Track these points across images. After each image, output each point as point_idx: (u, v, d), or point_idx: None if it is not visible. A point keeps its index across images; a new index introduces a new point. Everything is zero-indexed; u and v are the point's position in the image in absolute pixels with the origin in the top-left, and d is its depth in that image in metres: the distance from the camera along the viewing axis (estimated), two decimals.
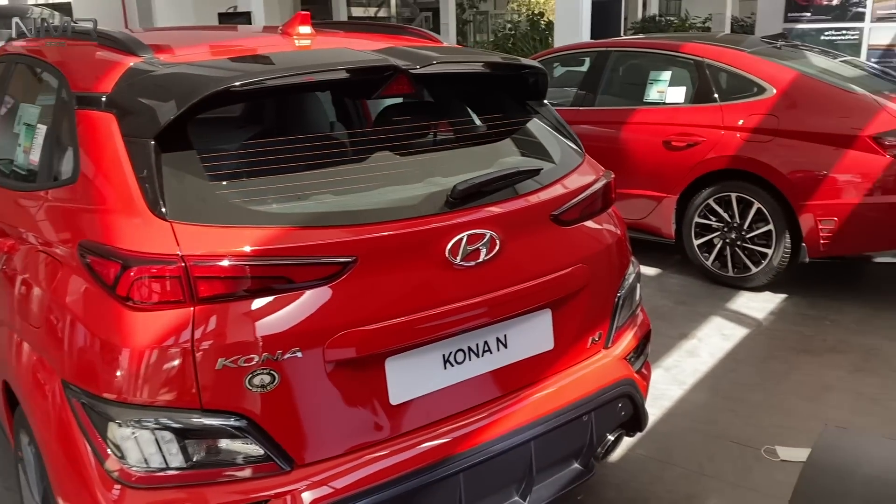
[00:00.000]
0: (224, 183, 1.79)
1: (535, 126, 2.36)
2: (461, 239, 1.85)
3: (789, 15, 6.85)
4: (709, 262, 4.89)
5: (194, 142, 1.82)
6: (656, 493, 2.72)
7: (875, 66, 5.62)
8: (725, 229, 4.79)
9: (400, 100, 2.44)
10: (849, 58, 5.60)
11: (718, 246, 4.84)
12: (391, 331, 1.78)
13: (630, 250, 2.45)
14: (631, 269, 2.43)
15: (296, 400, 1.71)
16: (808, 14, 6.75)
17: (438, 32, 18.12)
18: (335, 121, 2.87)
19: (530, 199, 2.06)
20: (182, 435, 1.65)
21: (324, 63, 2.01)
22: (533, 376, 2.10)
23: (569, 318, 2.15)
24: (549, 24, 14.32)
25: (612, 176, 2.39)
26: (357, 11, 18.96)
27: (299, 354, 1.69)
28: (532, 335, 2.07)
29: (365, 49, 2.15)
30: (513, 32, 15.64)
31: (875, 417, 3.18)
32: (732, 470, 2.85)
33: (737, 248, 4.76)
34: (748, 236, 4.69)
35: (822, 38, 6.68)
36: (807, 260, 4.49)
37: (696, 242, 4.93)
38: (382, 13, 19.07)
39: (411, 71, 1.98)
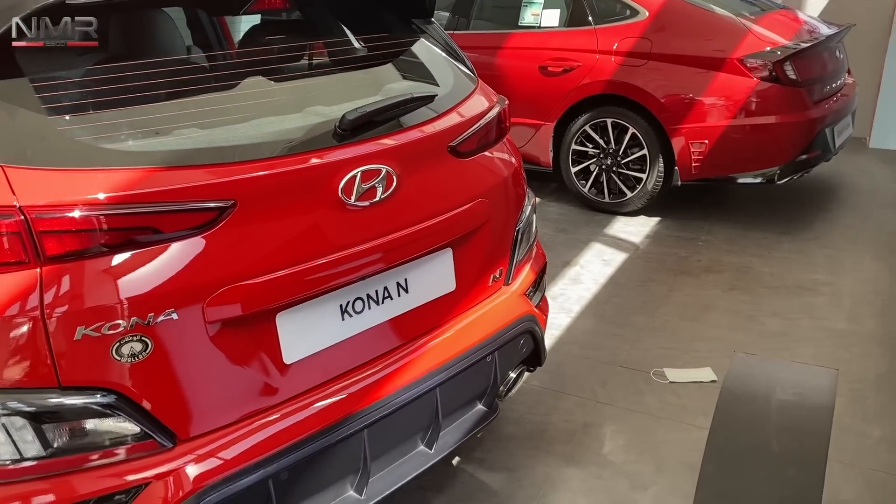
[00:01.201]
0: (68, 118, 1.52)
1: (424, 48, 2.19)
2: (355, 176, 1.69)
3: None
4: (586, 189, 4.93)
5: (25, 68, 1.51)
6: (554, 424, 2.73)
7: None
8: (601, 155, 4.83)
9: (268, 18, 2.18)
10: None
11: (595, 172, 4.89)
12: (281, 283, 1.61)
13: (526, 181, 2.37)
14: (527, 200, 2.35)
15: (175, 368, 1.51)
16: None
17: None
18: (192, 44, 2.56)
19: (427, 129, 1.92)
20: (37, 419, 1.42)
21: None
22: (436, 320, 2.01)
23: (470, 256, 2.06)
24: None
25: (507, 102, 2.27)
26: None
27: (175, 316, 1.48)
28: (434, 277, 1.97)
29: None
30: None
31: (752, 333, 3.33)
32: (625, 395, 2.90)
33: (612, 174, 4.82)
34: (623, 162, 4.75)
35: None
36: (679, 183, 4.61)
37: (574, 170, 4.96)
38: None
39: None
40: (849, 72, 5.11)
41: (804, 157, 4.43)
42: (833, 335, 3.29)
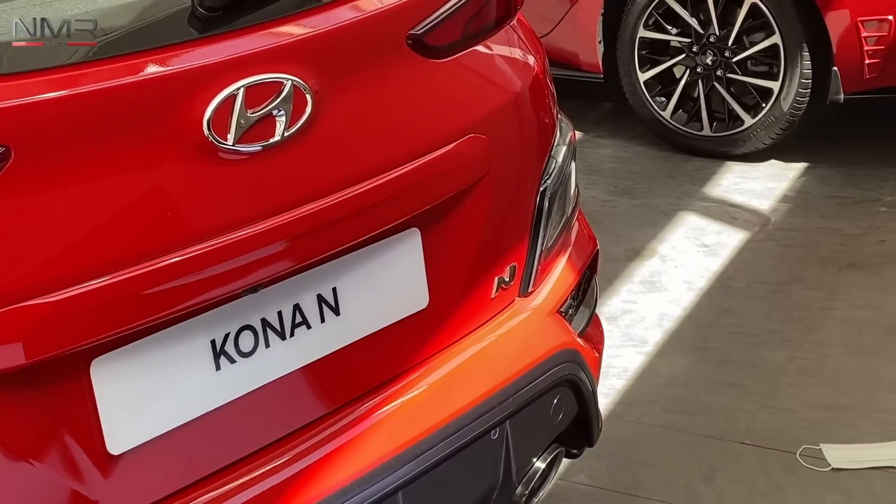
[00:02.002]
0: None
1: None
2: (234, 95, 1.69)
3: None
4: (666, 113, 5.00)
5: None
6: None
7: None
8: (694, 49, 4.90)
9: None
10: None
11: (683, 81, 4.95)
12: (99, 300, 1.61)
13: (556, 100, 2.41)
14: (558, 136, 2.39)
15: None
16: None
17: None
18: None
19: (366, 4, 1.93)
20: None
21: None
22: (392, 366, 2.04)
23: (454, 243, 2.10)
24: None
25: None
26: None
27: None
28: (387, 285, 2.00)
29: None
30: None
31: None
32: (751, 495, 2.94)
33: (717, 84, 4.88)
34: (736, 59, 4.81)
35: None
36: (841, 97, 4.68)
37: (643, 77, 5.04)
38: None
39: None
40: None
41: None
42: None
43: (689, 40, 4.90)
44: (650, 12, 4.92)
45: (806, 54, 4.67)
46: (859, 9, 4.51)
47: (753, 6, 4.70)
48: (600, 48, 5.07)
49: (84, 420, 1.65)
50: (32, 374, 1.59)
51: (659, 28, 4.94)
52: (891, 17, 4.47)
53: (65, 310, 1.58)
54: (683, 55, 4.94)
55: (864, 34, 4.53)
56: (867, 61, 4.56)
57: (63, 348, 1.60)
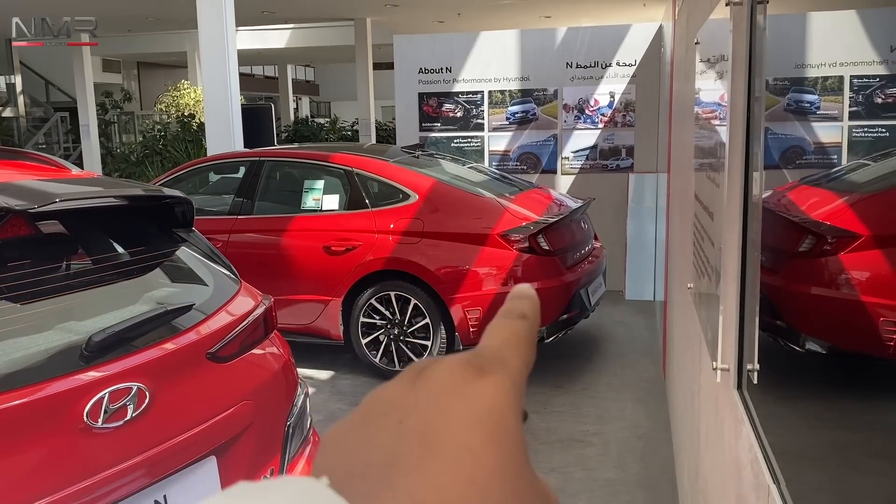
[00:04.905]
0: None
1: (186, 256, 2.24)
2: (102, 398, 1.64)
3: (423, 125, 7.62)
4: (377, 360, 5.06)
5: None
6: None
7: (496, 170, 6.46)
8: (389, 326, 5.02)
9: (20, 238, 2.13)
10: (474, 164, 6.37)
11: (384, 342, 5.04)
12: None
13: (297, 373, 2.41)
14: (299, 391, 2.38)
15: None
16: (438, 124, 7.57)
17: (77, 135, 16.59)
18: None
19: (182, 339, 1.93)
20: None
21: None
22: None
23: (236, 460, 2.02)
24: (202, 126, 14.07)
25: (272, 300, 2.35)
26: None
27: None
28: (197, 489, 1.90)
29: None
30: (163, 133, 15.07)
31: None
32: None
33: (400, 343, 4.99)
34: (409, 331, 4.96)
35: (453, 144, 7.52)
36: (461, 348, 4.86)
37: (364, 341, 5.08)
38: (8, 113, 17.09)
39: (29, 210, 1.74)
40: (595, 237, 5.81)
41: (565, 316, 4.89)
42: (604, 485, 3.53)
43: (385, 321, 5.02)
44: (365, 309, 5.04)
45: (442, 327, 4.86)
46: (465, 304, 4.77)
47: (415, 305, 4.90)
48: (341, 327, 5.12)
49: None
50: None
51: (370, 316, 5.05)
52: (480, 308, 4.74)
53: None
54: (383, 329, 5.04)
55: (469, 317, 4.78)
56: (471, 329, 4.80)
57: None
